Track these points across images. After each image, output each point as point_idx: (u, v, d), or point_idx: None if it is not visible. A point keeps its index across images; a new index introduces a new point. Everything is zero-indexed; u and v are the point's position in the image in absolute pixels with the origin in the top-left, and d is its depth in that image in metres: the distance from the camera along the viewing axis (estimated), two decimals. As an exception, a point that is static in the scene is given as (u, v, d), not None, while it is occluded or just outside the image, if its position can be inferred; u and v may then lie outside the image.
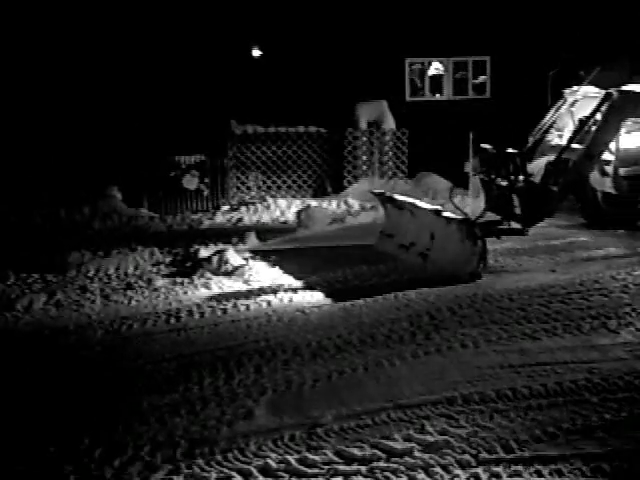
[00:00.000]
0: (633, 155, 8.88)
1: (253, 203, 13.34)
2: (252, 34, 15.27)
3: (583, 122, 8.49)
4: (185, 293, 7.50)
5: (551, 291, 7.10)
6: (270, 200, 13.39)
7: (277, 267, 8.44)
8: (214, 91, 14.44)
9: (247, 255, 8.89)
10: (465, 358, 5.40)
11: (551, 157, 8.32)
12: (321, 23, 15.08)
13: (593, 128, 8.31)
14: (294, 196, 13.89)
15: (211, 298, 7.27)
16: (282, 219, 12.23)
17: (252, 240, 10.09)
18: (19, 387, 5.22)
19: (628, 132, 8.82)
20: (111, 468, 3.96)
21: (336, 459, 3.97)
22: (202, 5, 14.75)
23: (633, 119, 8.67)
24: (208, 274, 8.06)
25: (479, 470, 3.79)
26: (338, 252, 9.17)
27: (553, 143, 8.95)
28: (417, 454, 3.97)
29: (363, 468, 3.86)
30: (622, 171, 8.91)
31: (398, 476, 3.78)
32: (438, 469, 3.81)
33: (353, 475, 3.81)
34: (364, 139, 14.51)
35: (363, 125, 14.69)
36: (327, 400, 4.72)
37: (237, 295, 7.35)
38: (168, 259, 9.07)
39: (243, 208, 13.07)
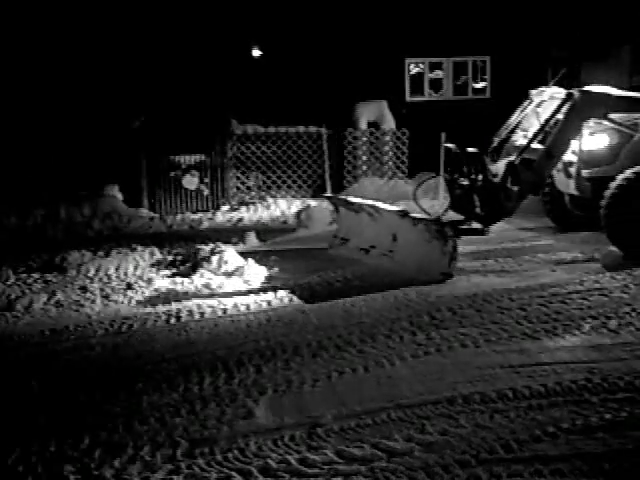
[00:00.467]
0: (596, 157, 8.76)
1: (253, 203, 13.36)
2: (252, 34, 15.30)
3: (545, 122, 8.46)
4: (185, 293, 7.50)
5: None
6: (270, 200, 13.41)
7: (277, 267, 8.45)
8: (214, 91, 14.46)
9: (247, 255, 8.89)
10: (465, 358, 5.39)
11: (512, 157, 8.29)
12: (321, 23, 15.10)
13: (555, 128, 8.29)
14: (294, 196, 13.90)
15: (211, 298, 7.27)
16: (282, 219, 12.24)
17: (252, 240, 10.10)
18: (19, 387, 5.22)
19: (591, 134, 8.73)
20: (111, 468, 3.96)
21: (336, 459, 3.97)
22: (202, 5, 14.77)
23: (596, 120, 8.60)
24: (208, 274, 8.05)
25: (479, 470, 3.79)
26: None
27: (518, 144, 8.87)
28: (417, 454, 3.97)
29: (363, 468, 3.85)
30: (585, 173, 8.81)
31: (398, 476, 3.78)
32: (438, 469, 3.81)
33: (353, 475, 3.81)
34: (364, 139, 14.52)
35: (363, 125, 14.69)
36: (327, 400, 4.72)
37: (237, 295, 7.35)
38: (168, 259, 9.08)
39: (243, 208, 13.10)
